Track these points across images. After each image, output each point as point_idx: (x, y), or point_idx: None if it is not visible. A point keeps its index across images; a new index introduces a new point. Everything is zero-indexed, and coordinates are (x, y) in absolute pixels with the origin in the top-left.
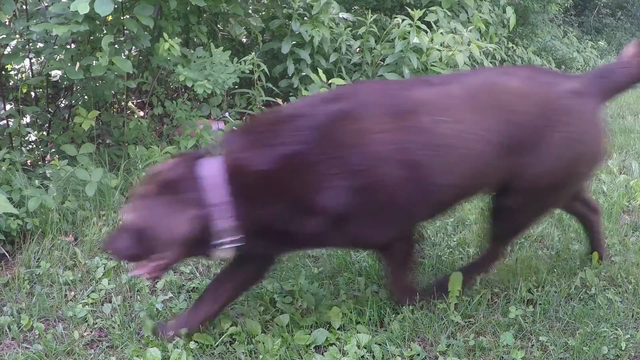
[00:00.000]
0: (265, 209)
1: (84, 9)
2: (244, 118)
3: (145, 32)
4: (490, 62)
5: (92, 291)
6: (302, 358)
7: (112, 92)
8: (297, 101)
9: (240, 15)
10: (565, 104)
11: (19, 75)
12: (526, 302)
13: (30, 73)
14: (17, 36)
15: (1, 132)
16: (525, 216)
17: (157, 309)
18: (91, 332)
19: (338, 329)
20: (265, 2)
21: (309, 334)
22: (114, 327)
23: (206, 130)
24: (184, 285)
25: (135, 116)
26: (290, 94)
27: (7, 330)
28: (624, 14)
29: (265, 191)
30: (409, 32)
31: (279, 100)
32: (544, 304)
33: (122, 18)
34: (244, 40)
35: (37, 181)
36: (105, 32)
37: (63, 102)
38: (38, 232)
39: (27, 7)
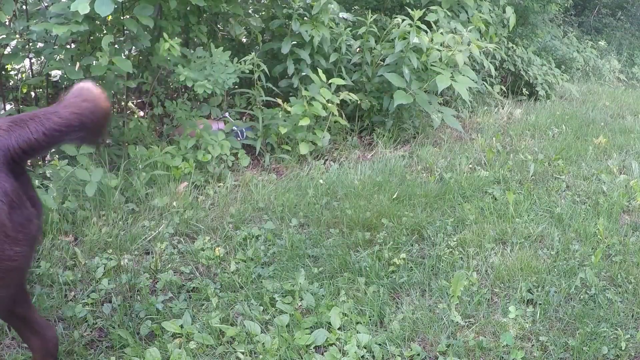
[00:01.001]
0: None
1: (84, 9)
2: (244, 118)
3: (145, 32)
4: (490, 62)
5: (92, 291)
6: (302, 358)
7: (112, 92)
8: None
9: (240, 15)
10: None
11: (19, 75)
12: (526, 302)
13: (30, 73)
14: (17, 36)
15: None
16: None
17: (157, 309)
18: (91, 332)
19: (338, 329)
20: (265, 2)
21: (309, 334)
22: (114, 327)
23: (206, 130)
24: (184, 285)
25: (135, 116)
26: (290, 94)
27: (7, 330)
28: (624, 14)
29: None
30: (409, 32)
31: (279, 100)
32: (544, 304)
33: (122, 18)
34: (244, 40)
35: (37, 181)
36: (105, 32)
37: None
38: None
39: (27, 7)
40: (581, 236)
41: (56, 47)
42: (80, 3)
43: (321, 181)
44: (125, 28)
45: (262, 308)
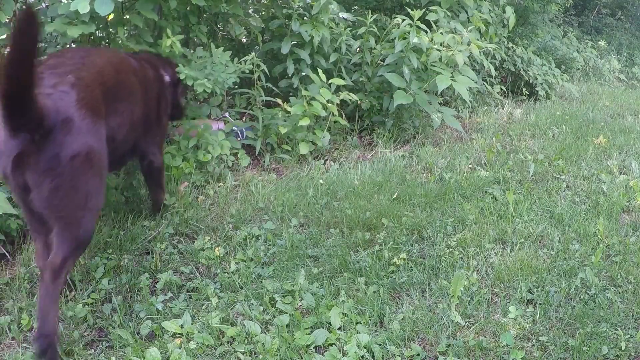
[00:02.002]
0: None
1: (84, 9)
2: (244, 118)
3: (146, 28)
4: (490, 62)
5: (92, 291)
6: (302, 358)
7: None
8: None
9: (240, 15)
10: None
11: None
12: (526, 302)
13: None
14: None
15: None
16: None
17: (157, 309)
18: (91, 332)
19: (338, 329)
20: (265, 2)
21: (309, 334)
22: (113, 327)
23: (206, 130)
24: (184, 285)
25: None
26: (290, 94)
27: (7, 330)
28: (624, 14)
29: None
30: (409, 32)
31: (279, 100)
32: (544, 304)
33: (122, 18)
34: (244, 40)
35: None
36: (103, 32)
37: None
38: None
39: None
40: (581, 236)
41: (58, 46)
42: (80, 2)
43: (321, 181)
44: (125, 28)
45: (262, 308)
